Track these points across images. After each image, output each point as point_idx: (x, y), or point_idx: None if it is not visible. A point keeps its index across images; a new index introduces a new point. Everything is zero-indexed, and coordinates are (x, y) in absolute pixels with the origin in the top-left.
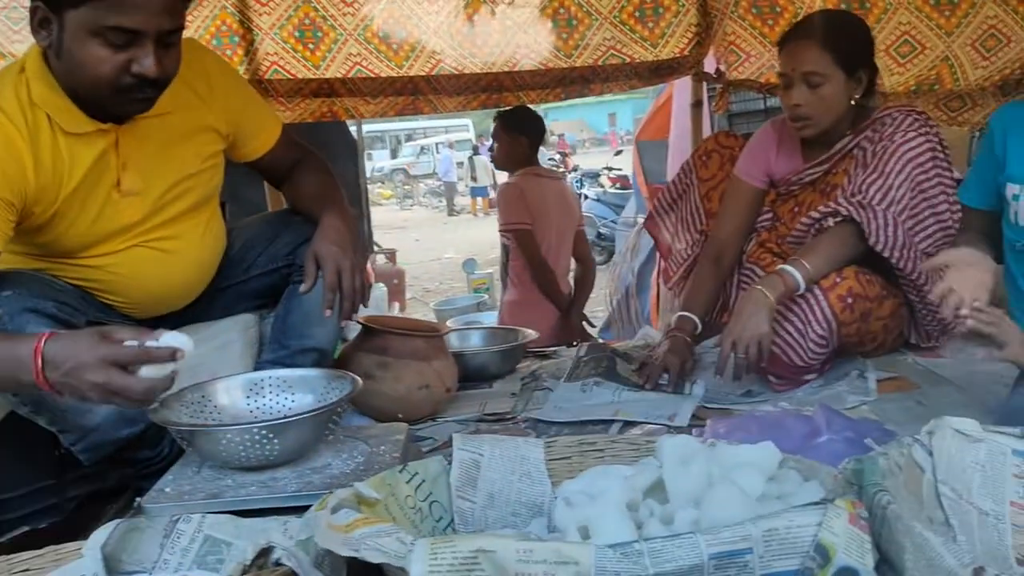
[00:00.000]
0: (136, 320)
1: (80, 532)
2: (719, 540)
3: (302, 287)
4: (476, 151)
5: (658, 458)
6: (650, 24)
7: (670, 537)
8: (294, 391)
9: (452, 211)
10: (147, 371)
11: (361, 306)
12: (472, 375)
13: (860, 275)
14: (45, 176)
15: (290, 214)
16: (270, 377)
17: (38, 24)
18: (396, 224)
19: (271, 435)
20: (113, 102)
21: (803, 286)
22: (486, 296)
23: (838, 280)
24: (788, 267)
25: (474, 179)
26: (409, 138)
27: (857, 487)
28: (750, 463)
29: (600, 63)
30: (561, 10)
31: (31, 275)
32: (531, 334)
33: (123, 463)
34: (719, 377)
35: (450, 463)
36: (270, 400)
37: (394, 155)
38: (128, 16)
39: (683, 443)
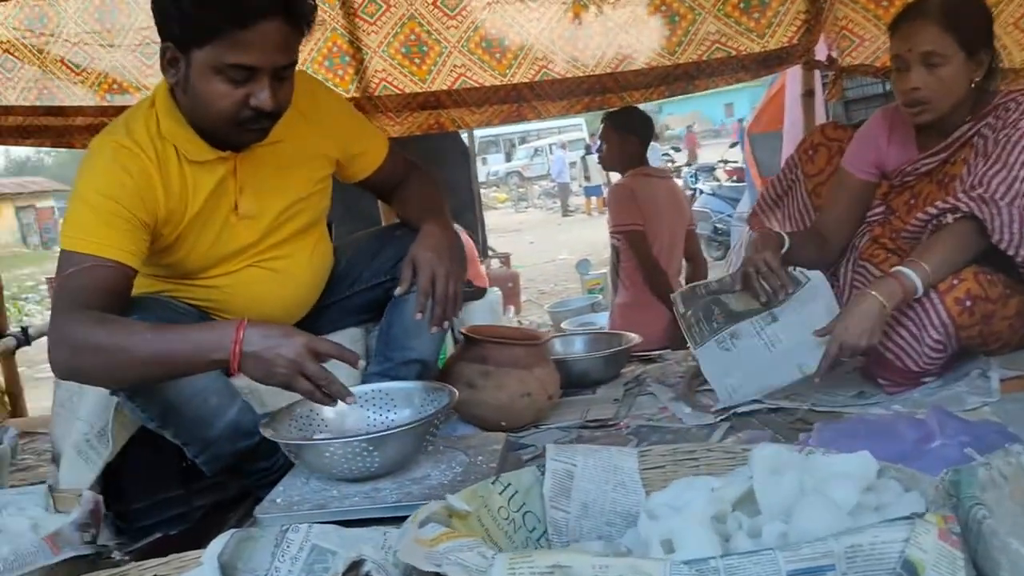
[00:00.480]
0: None
1: (205, 539)
2: (799, 557)
3: (397, 290)
4: (589, 150)
5: (750, 468)
6: (756, 15)
7: (748, 553)
8: (395, 404)
9: (566, 212)
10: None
11: (455, 317)
12: (575, 381)
13: (980, 275)
14: (173, 200)
15: (392, 229)
16: (372, 391)
17: (167, 63)
18: (511, 227)
19: (371, 448)
20: (232, 133)
21: (921, 290)
22: (600, 297)
23: (955, 282)
24: (906, 269)
25: (587, 178)
26: (523, 140)
27: (955, 499)
28: (845, 473)
29: (705, 58)
30: (663, 7)
31: (155, 300)
32: (634, 338)
33: (242, 474)
34: (817, 379)
35: (543, 473)
36: (372, 413)
37: (508, 158)
38: (247, 54)
39: (775, 453)
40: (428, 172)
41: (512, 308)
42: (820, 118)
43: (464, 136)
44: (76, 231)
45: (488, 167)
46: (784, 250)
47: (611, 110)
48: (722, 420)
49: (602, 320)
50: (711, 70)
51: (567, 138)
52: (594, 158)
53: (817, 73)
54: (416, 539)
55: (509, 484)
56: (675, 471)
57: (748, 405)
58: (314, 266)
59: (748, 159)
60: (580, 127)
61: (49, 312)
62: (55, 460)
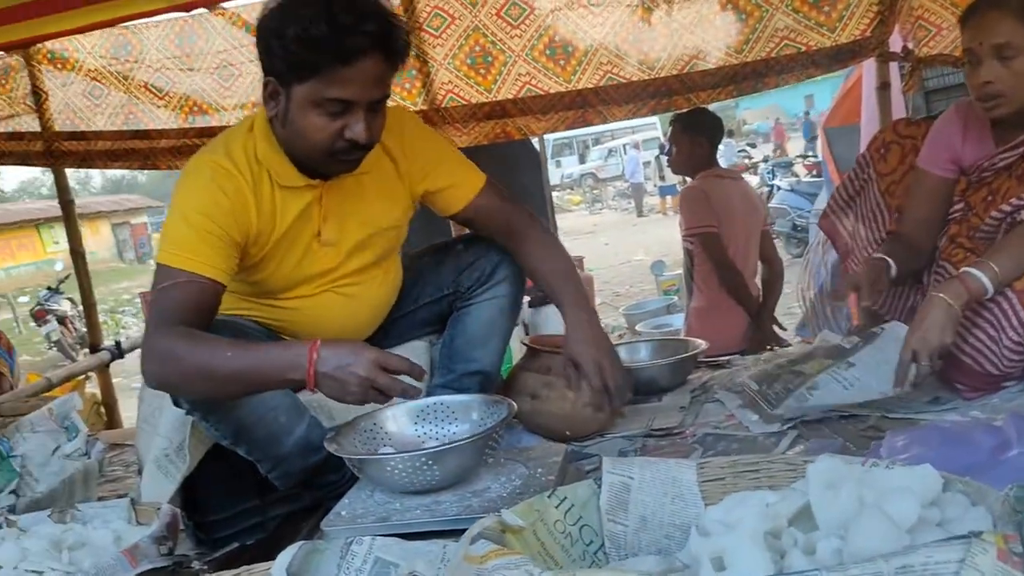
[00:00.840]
0: None
1: (280, 548)
2: None
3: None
4: (663, 149)
5: (806, 482)
6: (826, 8)
7: (792, 575)
8: (456, 417)
9: (641, 212)
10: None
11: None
12: (641, 389)
13: None
14: (263, 221)
15: (455, 243)
16: (433, 404)
17: (268, 96)
18: (586, 229)
19: (431, 462)
20: (326, 164)
21: (991, 290)
22: (676, 298)
23: None
24: (973, 270)
25: (662, 178)
26: (597, 142)
27: (1021, 516)
28: (905, 488)
29: (774, 55)
30: (730, 5)
31: (232, 325)
32: (701, 345)
33: (313, 487)
34: (897, 388)
35: (600, 487)
36: (434, 426)
37: (582, 160)
38: (345, 90)
39: (832, 466)
40: (547, 228)
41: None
42: (899, 110)
43: (535, 140)
44: (173, 246)
45: (562, 169)
46: (892, 275)
47: (679, 112)
48: (790, 428)
49: (678, 322)
50: (780, 67)
51: (641, 138)
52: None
53: (894, 64)
54: (466, 556)
55: (565, 498)
56: (735, 483)
57: (818, 413)
58: (386, 291)
59: (825, 154)
60: (654, 126)
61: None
62: (140, 472)
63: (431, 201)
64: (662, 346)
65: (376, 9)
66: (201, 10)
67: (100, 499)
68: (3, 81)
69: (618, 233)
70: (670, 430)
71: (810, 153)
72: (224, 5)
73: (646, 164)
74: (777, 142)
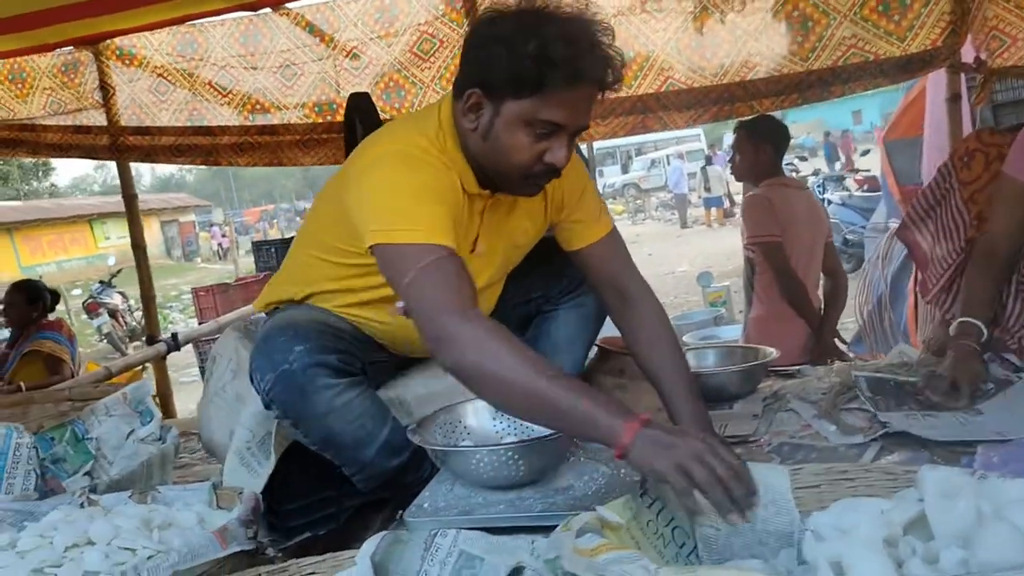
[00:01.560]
0: (397, 356)
1: (352, 539)
2: None
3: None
4: (709, 161)
5: (919, 491)
6: (896, 17)
7: None
8: None
9: (685, 223)
10: None
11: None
12: (711, 396)
13: None
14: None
15: (544, 248)
16: None
17: (468, 108)
18: (629, 239)
19: (517, 457)
20: (516, 183)
21: None
22: (723, 310)
23: None
24: None
25: (707, 189)
26: (639, 152)
27: None
28: None
29: (840, 63)
30: (795, 12)
31: (319, 328)
32: (772, 353)
33: (393, 486)
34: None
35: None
36: (512, 423)
37: (625, 170)
38: (561, 113)
39: (946, 476)
40: (659, 304)
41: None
42: (967, 125)
43: (583, 148)
44: (406, 222)
45: (604, 179)
46: (983, 339)
47: (744, 119)
48: (872, 440)
49: (725, 333)
50: (847, 76)
51: (685, 149)
52: (715, 169)
53: (962, 76)
54: (576, 549)
55: (657, 498)
56: (831, 491)
57: (902, 425)
58: (491, 308)
59: (884, 167)
60: (699, 137)
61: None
62: (203, 442)
63: (558, 230)
64: (730, 353)
65: (605, 39)
66: (266, 9)
67: (174, 484)
68: (72, 75)
69: (661, 244)
70: (744, 438)
71: (861, 167)
72: (289, 5)
73: (691, 175)
74: (845, 154)
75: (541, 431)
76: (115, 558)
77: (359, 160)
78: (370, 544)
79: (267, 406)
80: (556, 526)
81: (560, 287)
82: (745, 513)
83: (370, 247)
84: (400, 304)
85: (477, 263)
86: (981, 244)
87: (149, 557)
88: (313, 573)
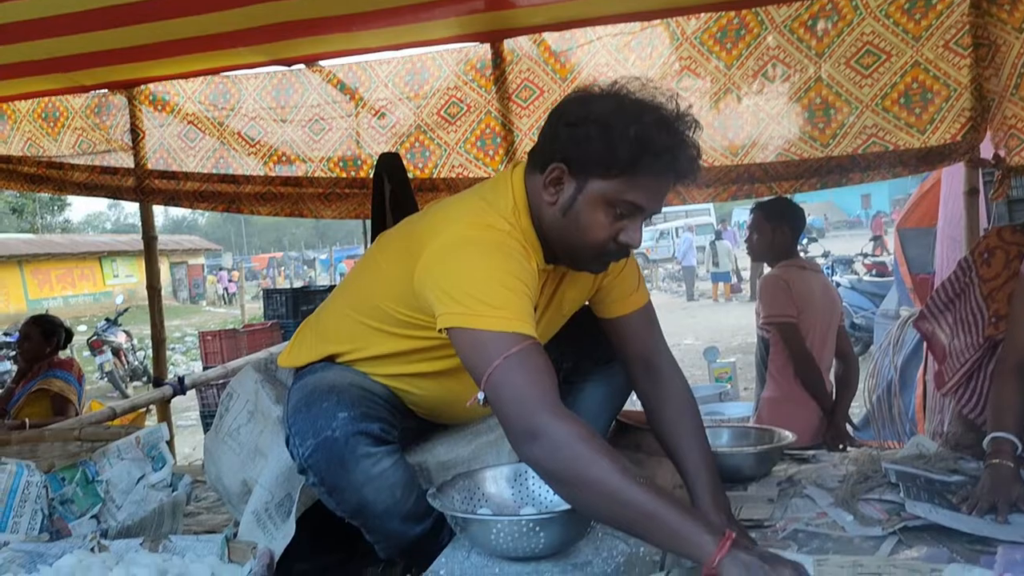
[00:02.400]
0: (421, 418)
1: None
2: None
3: None
4: (718, 236)
5: None
6: (917, 110)
7: None
8: (546, 487)
9: (692, 296)
10: None
11: None
12: (725, 475)
13: None
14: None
15: (578, 317)
16: (528, 470)
17: (550, 182)
18: None
19: (538, 528)
20: (587, 260)
21: None
22: (728, 386)
23: None
24: None
25: (715, 264)
26: (648, 222)
27: None
28: None
29: (860, 151)
30: (817, 99)
31: (360, 393)
32: (789, 436)
33: (410, 554)
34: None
35: None
36: (536, 491)
37: None
38: (643, 196)
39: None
40: (686, 383)
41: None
42: (982, 218)
43: None
44: (499, 310)
45: None
46: (1018, 452)
47: (762, 200)
48: (890, 534)
49: (730, 410)
50: (867, 163)
51: (695, 222)
52: (724, 244)
53: (980, 171)
54: None
55: None
56: None
57: (922, 520)
58: None
59: (897, 255)
60: (708, 211)
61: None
62: (208, 478)
63: (597, 296)
64: (745, 433)
65: (691, 131)
66: (300, 66)
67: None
68: (104, 117)
69: (667, 315)
70: (759, 522)
71: (870, 253)
72: (322, 63)
73: (699, 249)
74: (876, 234)
75: (561, 503)
76: None
77: (436, 238)
78: None
79: (302, 471)
80: None
81: (592, 360)
82: None
83: (446, 329)
84: (480, 395)
85: None
86: (1006, 355)
87: None
88: None
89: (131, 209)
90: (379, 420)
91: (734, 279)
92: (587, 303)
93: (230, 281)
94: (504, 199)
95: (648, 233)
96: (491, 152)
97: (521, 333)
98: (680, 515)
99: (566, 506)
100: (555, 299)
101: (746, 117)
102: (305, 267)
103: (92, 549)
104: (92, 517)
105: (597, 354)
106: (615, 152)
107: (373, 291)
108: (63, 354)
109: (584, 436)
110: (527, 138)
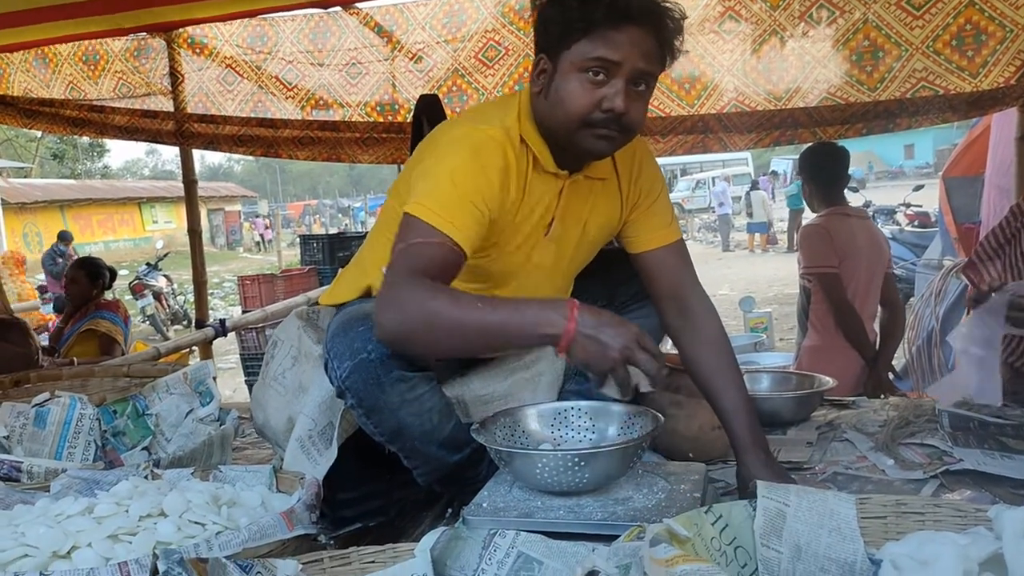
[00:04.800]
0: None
1: (401, 534)
2: None
3: None
4: (755, 185)
5: (996, 530)
6: (969, 52)
7: None
8: (593, 423)
9: (727, 247)
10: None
11: None
12: (764, 420)
13: None
14: (513, 199)
15: (613, 256)
16: (574, 408)
17: (537, 74)
18: None
19: (582, 463)
20: (580, 137)
21: None
22: (764, 336)
23: None
24: None
25: (751, 215)
26: (684, 172)
27: None
28: None
29: (909, 96)
30: (865, 42)
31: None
32: (829, 382)
33: (449, 483)
34: None
35: (754, 509)
36: (573, 430)
37: (669, 189)
38: (612, 50)
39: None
40: (720, 323)
41: (670, 340)
42: None
43: None
44: (435, 204)
45: None
46: None
47: (809, 145)
48: (931, 477)
49: (765, 360)
50: (915, 109)
51: (732, 172)
52: (760, 194)
53: None
54: (652, 558)
55: (721, 516)
56: (897, 524)
57: (963, 464)
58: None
59: (942, 204)
60: (746, 161)
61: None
62: (255, 425)
63: (627, 230)
64: (784, 379)
65: None
66: (337, 8)
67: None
68: (143, 60)
69: (702, 266)
70: (799, 464)
71: (913, 202)
72: (359, 4)
73: (735, 199)
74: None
75: (599, 440)
76: (186, 531)
77: (433, 140)
78: (429, 538)
79: (340, 394)
80: (615, 535)
81: (627, 295)
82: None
83: (405, 211)
84: None
85: (550, 248)
86: None
87: (218, 533)
88: (373, 562)
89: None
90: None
91: (770, 229)
92: (618, 243)
93: (266, 228)
94: (511, 105)
95: (684, 183)
96: None
97: (447, 234)
98: (522, 304)
99: (615, 442)
100: (581, 215)
101: (791, 60)
102: (340, 215)
103: (146, 477)
104: (143, 449)
105: (628, 295)
106: (568, 18)
107: (394, 216)
108: (108, 296)
109: (432, 291)
110: None
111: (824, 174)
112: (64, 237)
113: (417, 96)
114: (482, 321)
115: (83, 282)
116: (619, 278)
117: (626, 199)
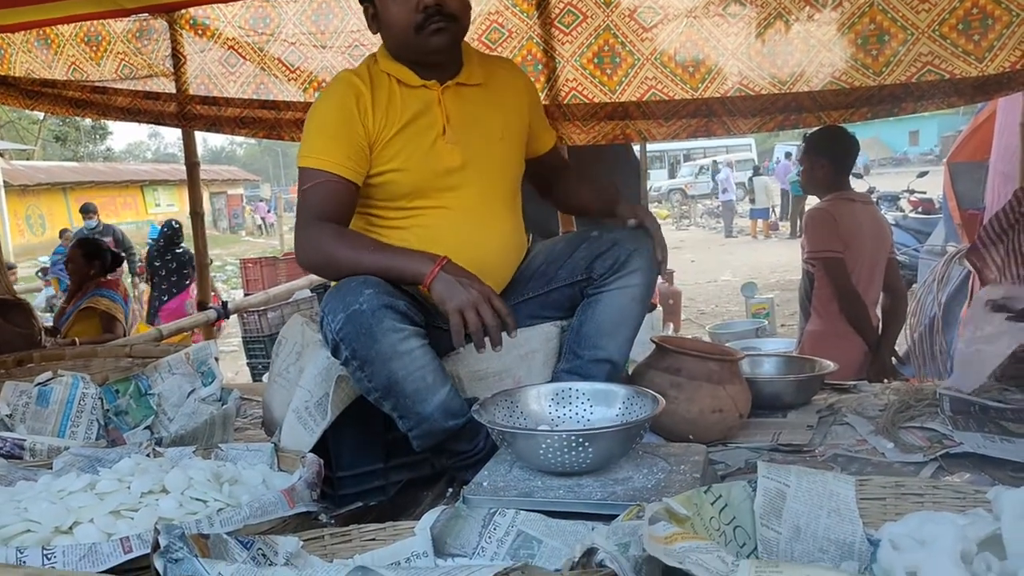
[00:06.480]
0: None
1: (401, 513)
2: None
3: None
4: (757, 171)
5: (994, 511)
6: (976, 36)
7: None
8: (592, 404)
9: (730, 233)
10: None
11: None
12: (765, 403)
13: None
14: (384, 114)
15: (589, 230)
16: (574, 389)
17: (370, 21)
18: (671, 244)
19: (585, 443)
20: (421, 45)
21: None
22: (766, 322)
23: None
24: None
25: (753, 201)
26: (687, 157)
27: None
28: None
29: (914, 80)
30: (871, 25)
31: (385, 284)
32: (830, 365)
33: (444, 453)
34: None
35: (754, 490)
36: (574, 410)
37: (672, 174)
38: None
39: (1023, 497)
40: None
41: (671, 326)
42: None
43: (636, 149)
44: (311, 151)
45: (651, 182)
46: None
47: (813, 130)
48: (931, 460)
49: (767, 346)
50: (920, 93)
51: (735, 157)
52: (762, 180)
53: None
54: (651, 535)
55: (720, 496)
56: (896, 505)
57: (963, 447)
58: (513, 241)
59: (947, 190)
60: (749, 147)
61: (234, 291)
62: (265, 424)
63: (531, 135)
64: (786, 362)
65: None
66: None
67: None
68: (145, 42)
69: (705, 251)
70: (799, 447)
71: (917, 189)
72: None
73: (739, 185)
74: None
75: (599, 421)
76: (188, 508)
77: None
78: (430, 516)
79: (335, 350)
80: (614, 515)
81: (605, 268)
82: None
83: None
84: None
85: (453, 150)
86: None
87: (219, 510)
88: (374, 539)
89: (171, 139)
90: (404, 299)
91: (773, 216)
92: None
93: (268, 212)
94: (370, 56)
95: (687, 168)
96: (532, 79)
97: (327, 171)
98: (401, 253)
99: (610, 423)
100: (475, 119)
101: (796, 44)
102: None
103: (148, 455)
104: (145, 428)
105: (611, 261)
106: None
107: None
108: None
109: (330, 234)
110: (569, 65)
111: (835, 155)
112: (88, 209)
113: None
114: (371, 260)
115: (79, 261)
116: (596, 251)
117: (528, 103)
